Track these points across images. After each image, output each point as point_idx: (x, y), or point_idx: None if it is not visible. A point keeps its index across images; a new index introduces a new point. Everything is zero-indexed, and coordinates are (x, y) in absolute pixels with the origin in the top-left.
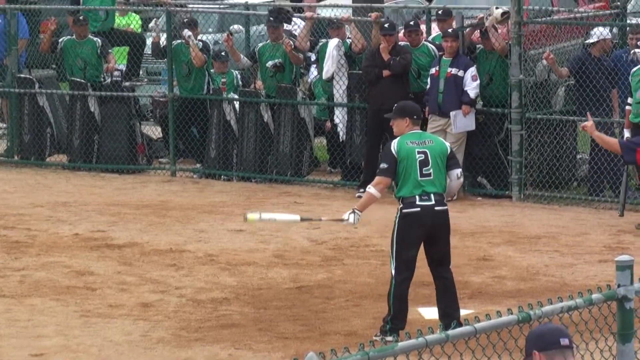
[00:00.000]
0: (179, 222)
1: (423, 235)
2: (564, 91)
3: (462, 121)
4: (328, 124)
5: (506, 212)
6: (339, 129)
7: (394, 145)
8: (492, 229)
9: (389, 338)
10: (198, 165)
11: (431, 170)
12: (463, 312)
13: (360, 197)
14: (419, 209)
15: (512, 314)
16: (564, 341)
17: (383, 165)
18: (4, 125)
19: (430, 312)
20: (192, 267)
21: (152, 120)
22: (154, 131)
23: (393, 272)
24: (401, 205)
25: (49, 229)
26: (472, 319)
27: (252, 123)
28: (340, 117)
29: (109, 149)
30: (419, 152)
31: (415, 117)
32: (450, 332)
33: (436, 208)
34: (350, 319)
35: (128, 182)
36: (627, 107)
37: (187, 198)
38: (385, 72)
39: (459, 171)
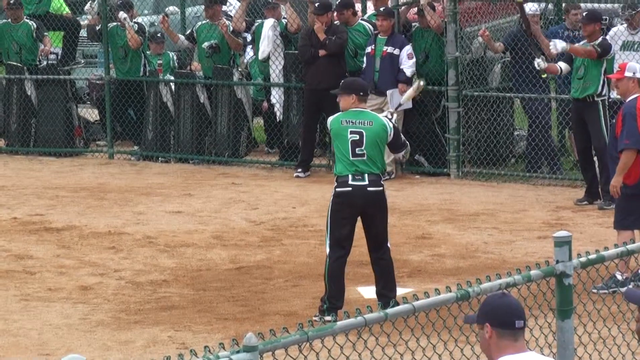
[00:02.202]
0: (117, 204)
1: (356, 214)
2: (500, 68)
3: (399, 100)
4: (265, 104)
5: (444, 190)
6: (275, 109)
7: (328, 122)
8: (431, 207)
9: (328, 318)
10: (135, 148)
11: (365, 151)
12: (402, 291)
13: (298, 176)
14: (350, 188)
15: (450, 291)
16: (519, 323)
17: None
18: None
19: (370, 292)
20: (130, 250)
21: (89, 103)
22: (91, 114)
23: (327, 250)
24: (335, 184)
25: None
26: (411, 298)
27: (189, 104)
28: (277, 97)
29: (46, 132)
30: (352, 132)
31: (361, 93)
32: (389, 310)
33: (369, 189)
34: (290, 299)
35: (66, 165)
36: None
37: (125, 180)
38: (321, 52)
39: (402, 153)
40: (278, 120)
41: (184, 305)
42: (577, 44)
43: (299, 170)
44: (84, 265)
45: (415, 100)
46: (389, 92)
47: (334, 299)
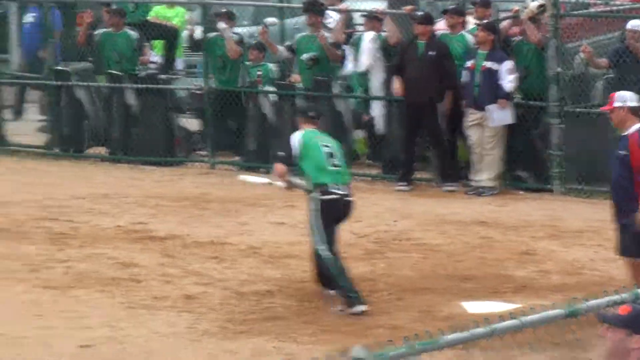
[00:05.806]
0: (218, 214)
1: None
2: (603, 84)
3: (499, 115)
4: (365, 116)
5: (548, 206)
6: (375, 122)
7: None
8: (534, 223)
9: (362, 307)
10: (237, 158)
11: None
12: (508, 307)
13: (400, 190)
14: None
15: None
16: None
17: None
18: (44, 117)
19: (473, 307)
20: (234, 260)
21: (189, 113)
22: (191, 124)
23: (324, 250)
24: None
25: (91, 221)
26: (519, 313)
27: (289, 116)
28: (377, 110)
29: (147, 141)
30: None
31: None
32: (497, 325)
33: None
34: (394, 313)
35: (166, 175)
36: None
37: (226, 191)
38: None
39: None
40: (379, 134)
41: (289, 317)
42: None
43: (400, 183)
44: (188, 275)
45: (516, 116)
46: (488, 108)
47: (352, 290)
